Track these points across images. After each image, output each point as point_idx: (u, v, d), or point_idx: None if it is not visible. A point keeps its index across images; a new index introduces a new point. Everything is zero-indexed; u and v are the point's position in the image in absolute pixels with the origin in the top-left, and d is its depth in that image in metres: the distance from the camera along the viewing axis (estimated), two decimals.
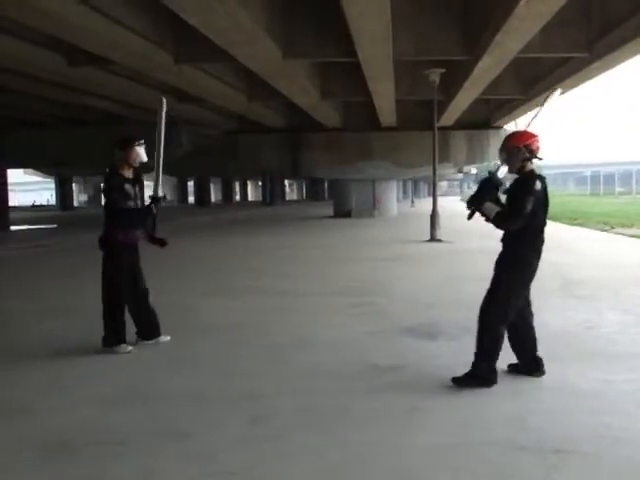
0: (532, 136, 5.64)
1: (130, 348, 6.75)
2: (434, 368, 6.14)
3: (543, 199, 5.49)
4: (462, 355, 6.53)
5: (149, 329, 7.02)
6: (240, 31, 12.35)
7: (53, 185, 65.56)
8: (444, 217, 21.69)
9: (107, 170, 6.82)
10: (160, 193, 6.79)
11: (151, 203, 6.75)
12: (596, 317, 8.26)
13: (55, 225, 32.82)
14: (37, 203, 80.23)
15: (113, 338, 6.72)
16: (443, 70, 19.26)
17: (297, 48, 14.79)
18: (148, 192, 6.80)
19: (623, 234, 21.56)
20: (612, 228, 23.98)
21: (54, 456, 4.31)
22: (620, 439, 4.41)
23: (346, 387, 5.65)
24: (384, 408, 5.09)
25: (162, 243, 6.94)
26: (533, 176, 5.50)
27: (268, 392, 5.56)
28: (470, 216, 5.83)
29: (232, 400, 5.34)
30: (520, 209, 5.42)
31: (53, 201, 69.78)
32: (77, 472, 4.08)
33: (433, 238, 20.25)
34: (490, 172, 5.76)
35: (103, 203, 6.78)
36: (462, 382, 5.54)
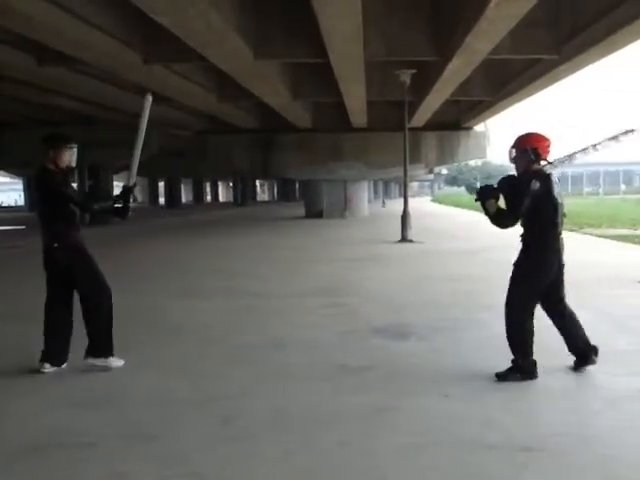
0: (541, 140, 5.68)
1: (121, 362, 6.22)
2: (405, 368, 6.16)
3: (547, 197, 5.50)
4: (433, 355, 6.57)
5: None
6: (211, 32, 12.31)
7: (21, 186, 64.87)
8: (415, 218, 21.75)
9: (41, 169, 6.16)
10: (132, 182, 6.41)
11: (125, 192, 6.29)
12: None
13: (24, 226, 32.43)
14: (5, 204, 79.34)
15: (108, 349, 6.15)
16: (414, 71, 19.31)
17: (268, 49, 14.77)
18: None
19: (591, 234, 21.78)
20: (581, 228, 24.21)
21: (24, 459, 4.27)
22: (589, 437, 4.46)
23: (316, 387, 5.64)
24: (354, 408, 5.09)
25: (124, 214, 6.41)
26: (533, 176, 5.53)
27: (238, 393, 5.54)
28: (476, 200, 5.80)
29: (201, 401, 5.31)
30: (514, 208, 5.52)
31: (21, 202, 69.01)
32: (47, 474, 4.05)
33: (404, 239, 20.29)
34: (512, 176, 5.78)
35: (44, 206, 6.10)
36: (505, 377, 5.62)
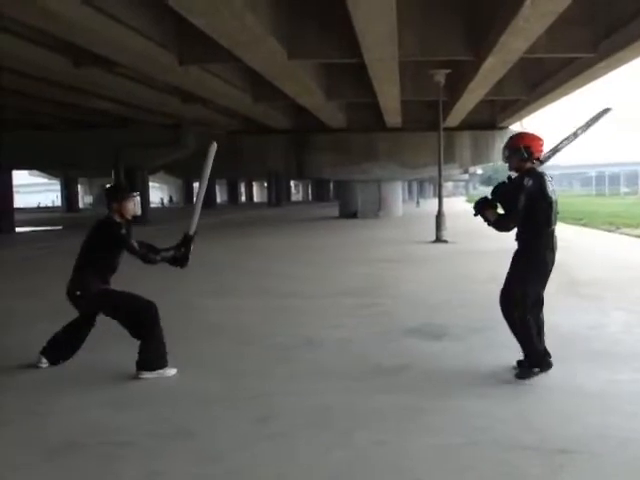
0: (534, 139, 5.76)
1: (174, 371, 6.12)
2: (439, 368, 6.15)
3: (541, 195, 5.54)
4: (467, 355, 6.55)
5: None
6: (245, 32, 12.36)
7: (59, 187, 65.65)
8: (449, 218, 21.65)
9: (106, 219, 6.15)
10: (192, 231, 6.24)
11: (185, 241, 6.20)
12: (602, 317, 8.25)
13: (60, 227, 32.86)
14: (42, 205, 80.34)
15: (161, 361, 6.07)
16: (448, 71, 19.24)
17: (302, 49, 14.80)
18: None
19: (629, 234, 21.51)
20: (618, 228, 23.92)
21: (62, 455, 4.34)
22: (628, 439, 4.42)
23: (351, 386, 5.65)
24: (389, 408, 5.10)
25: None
26: (526, 174, 5.59)
27: (274, 391, 5.57)
28: (475, 215, 5.93)
29: (239, 400, 5.35)
30: (512, 207, 5.57)
31: (59, 202, 69.83)
32: (84, 471, 4.10)
33: (439, 239, 20.23)
34: (509, 177, 5.79)
35: (91, 250, 6.09)
36: (525, 375, 5.66)
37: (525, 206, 5.51)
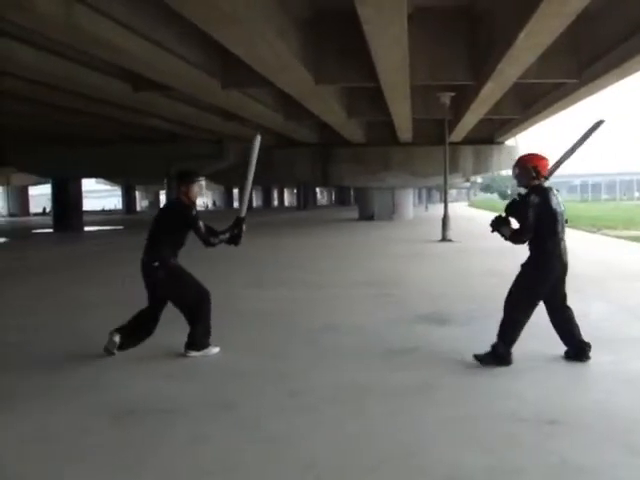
0: (541, 159, 5.65)
1: (217, 349, 6.17)
2: (445, 350, 6.13)
3: (545, 209, 5.42)
4: (469, 339, 6.53)
5: None
6: (278, 60, 12.39)
7: (120, 192, 66.19)
8: (453, 220, 21.58)
9: (176, 201, 6.14)
10: (243, 214, 6.24)
11: (238, 223, 6.20)
12: (584, 307, 8.19)
13: (121, 226, 33.16)
14: (106, 208, 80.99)
15: (205, 341, 6.10)
16: (453, 94, 19.22)
17: (327, 75, 14.78)
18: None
19: (608, 235, 21.34)
20: (599, 230, 23.72)
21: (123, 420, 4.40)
22: (608, 412, 4.40)
23: (368, 366, 5.66)
24: (402, 384, 5.10)
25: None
26: (533, 191, 5.49)
27: (302, 369, 5.60)
28: (492, 232, 5.74)
29: (272, 377, 5.37)
30: (524, 222, 5.45)
31: (120, 206, 70.41)
32: (141, 435, 4.16)
33: (444, 238, 20.16)
34: (519, 194, 5.68)
35: (163, 229, 6.02)
36: (482, 360, 5.56)
37: (534, 220, 5.40)
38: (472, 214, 47.37)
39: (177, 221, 6.00)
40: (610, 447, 3.82)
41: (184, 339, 6.05)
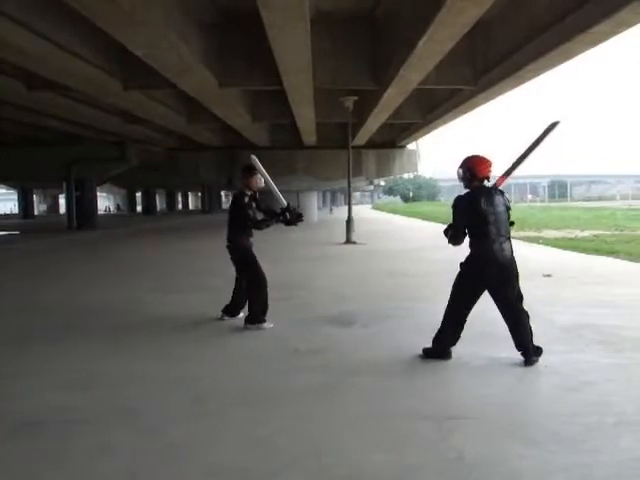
0: (478, 162, 5.58)
1: (271, 325, 7.29)
2: (349, 351, 6.18)
3: (474, 210, 5.40)
4: (374, 339, 6.61)
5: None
6: (181, 62, 12.20)
7: (16, 196, 63.38)
8: (358, 223, 21.84)
9: (239, 191, 7.63)
10: (284, 204, 7.87)
11: (284, 211, 7.87)
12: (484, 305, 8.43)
13: (18, 232, 31.73)
14: (1, 212, 77.45)
15: (261, 317, 7.29)
16: (356, 98, 19.45)
17: (231, 78, 14.67)
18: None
19: (515, 237, 22.10)
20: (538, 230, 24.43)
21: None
22: (503, 405, 4.54)
23: (273, 369, 5.64)
24: (307, 386, 5.10)
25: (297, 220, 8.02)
26: (470, 192, 5.53)
27: (210, 373, 5.53)
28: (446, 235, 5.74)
29: (173, 380, 5.27)
30: (454, 224, 5.54)
31: (16, 210, 67.45)
32: (43, 447, 3.98)
33: (349, 241, 20.34)
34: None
35: (232, 215, 7.55)
36: (427, 354, 5.73)
37: (460, 222, 5.45)
38: (376, 216, 48.20)
39: (238, 207, 7.42)
40: (509, 440, 3.94)
41: None
